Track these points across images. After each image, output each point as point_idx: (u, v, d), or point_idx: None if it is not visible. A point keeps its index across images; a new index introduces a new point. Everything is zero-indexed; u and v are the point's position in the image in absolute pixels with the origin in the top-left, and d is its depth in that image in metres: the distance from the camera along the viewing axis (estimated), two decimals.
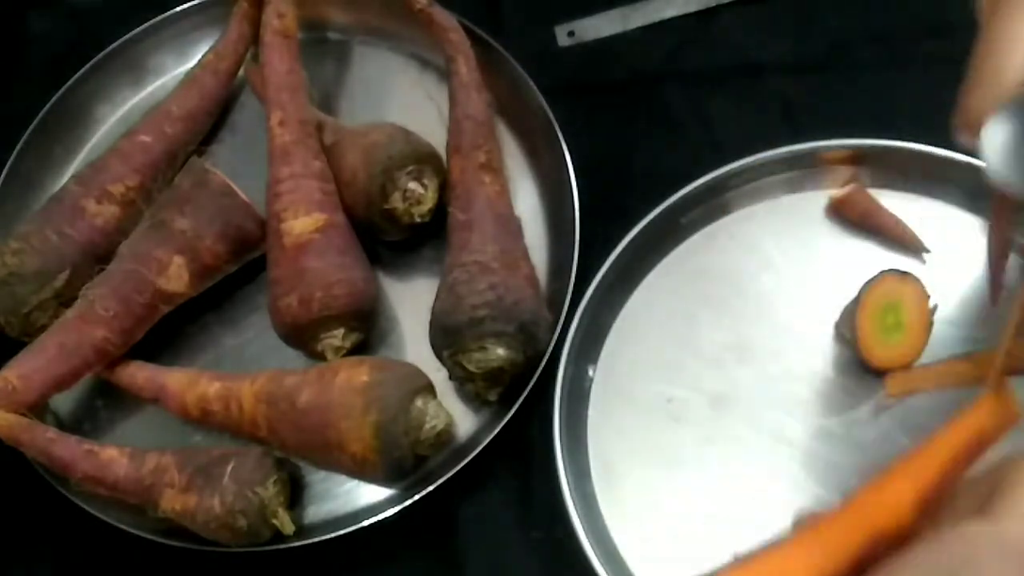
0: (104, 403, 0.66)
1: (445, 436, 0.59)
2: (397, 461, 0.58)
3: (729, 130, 0.69)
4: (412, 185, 0.65)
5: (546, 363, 0.61)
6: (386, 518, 0.59)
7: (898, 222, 0.62)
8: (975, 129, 0.39)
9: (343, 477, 0.62)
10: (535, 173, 0.69)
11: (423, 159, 0.65)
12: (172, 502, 0.58)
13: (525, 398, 0.60)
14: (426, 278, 0.66)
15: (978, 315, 0.59)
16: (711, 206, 0.64)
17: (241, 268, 0.67)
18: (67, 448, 0.60)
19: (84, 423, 0.66)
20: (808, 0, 0.73)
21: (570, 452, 0.59)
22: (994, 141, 0.34)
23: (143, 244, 0.64)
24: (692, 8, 0.73)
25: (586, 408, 0.61)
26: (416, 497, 0.59)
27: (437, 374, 0.61)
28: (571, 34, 0.74)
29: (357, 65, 0.76)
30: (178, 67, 0.76)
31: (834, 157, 0.64)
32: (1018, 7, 0.38)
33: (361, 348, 0.64)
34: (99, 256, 0.65)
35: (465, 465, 0.59)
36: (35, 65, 0.81)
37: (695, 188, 0.64)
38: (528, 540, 0.60)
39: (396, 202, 0.64)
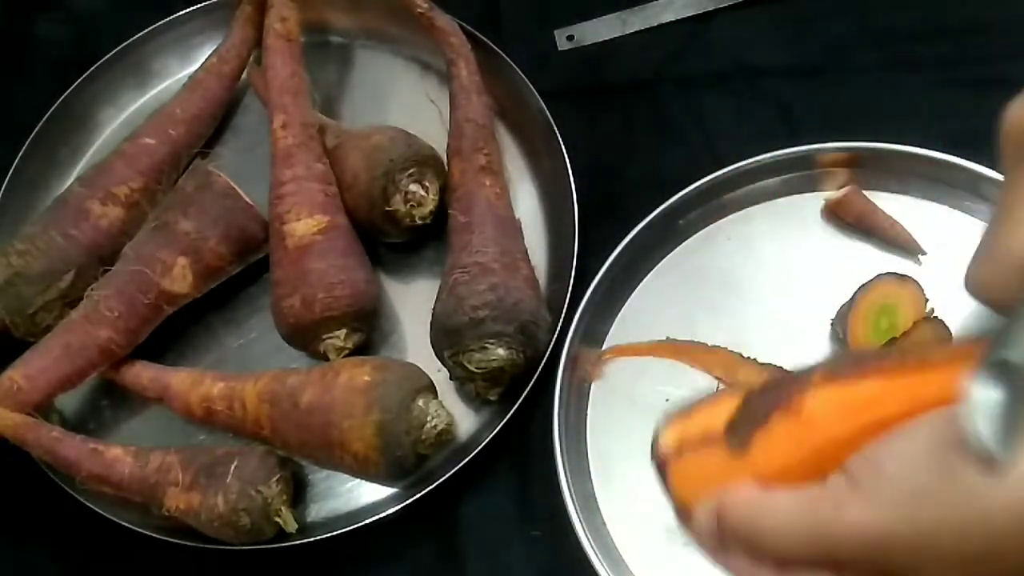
0: (109, 403, 0.67)
1: (446, 436, 0.60)
2: (398, 460, 0.58)
3: (727, 133, 0.69)
4: (413, 187, 0.65)
5: (546, 363, 0.61)
6: (387, 516, 0.59)
7: (894, 224, 0.62)
8: (982, 296, 0.39)
9: (345, 476, 0.62)
10: (535, 175, 0.70)
11: (424, 161, 0.66)
12: (176, 500, 0.59)
13: (525, 398, 0.61)
14: (427, 279, 0.67)
15: (974, 317, 0.60)
16: (709, 208, 0.65)
17: (244, 269, 0.68)
18: (72, 447, 0.61)
19: (89, 422, 0.66)
20: (805, 4, 0.73)
21: (570, 452, 0.59)
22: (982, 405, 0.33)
23: (147, 246, 0.64)
24: (690, 12, 0.73)
25: (586, 408, 0.62)
26: (417, 496, 0.59)
27: (438, 374, 0.62)
28: (570, 38, 0.74)
29: (359, 68, 0.76)
30: (182, 70, 0.77)
31: (831, 159, 0.64)
32: None
33: (363, 348, 0.64)
34: (104, 257, 0.65)
35: (465, 464, 0.60)
36: (40, 68, 0.81)
37: (693, 190, 0.64)
38: (528, 539, 0.60)
39: (397, 204, 0.65)
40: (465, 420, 0.63)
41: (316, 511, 0.62)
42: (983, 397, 0.31)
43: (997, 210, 0.37)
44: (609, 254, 0.63)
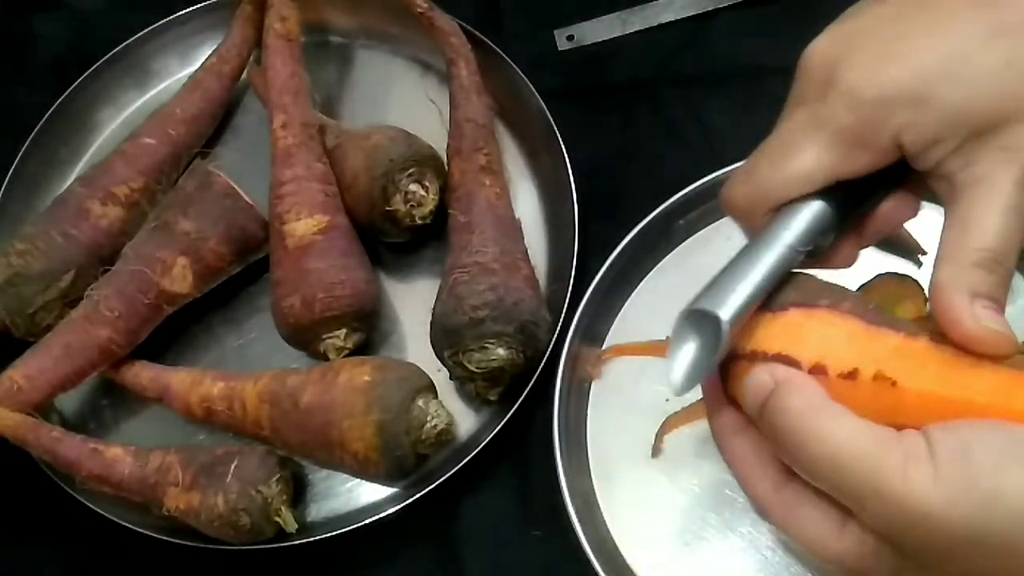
0: (109, 403, 0.67)
1: (446, 435, 0.60)
2: (398, 460, 0.58)
3: (727, 133, 0.69)
4: (413, 187, 0.65)
5: (546, 363, 0.61)
6: (387, 516, 0.59)
7: None
8: (731, 212, 0.40)
9: (345, 476, 0.62)
10: (535, 175, 0.70)
11: (424, 161, 0.66)
12: (176, 500, 0.59)
13: (525, 398, 0.61)
14: (427, 279, 0.67)
15: None
16: (709, 208, 0.65)
17: (244, 269, 0.68)
18: (72, 447, 0.61)
19: (89, 422, 0.66)
20: (805, 3, 0.73)
21: (570, 452, 0.59)
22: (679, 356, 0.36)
23: (147, 245, 0.65)
24: (690, 12, 0.73)
25: (586, 408, 0.62)
26: (417, 496, 0.59)
27: (438, 374, 0.62)
28: (570, 38, 0.74)
29: (359, 68, 0.76)
30: (182, 70, 0.77)
31: None
32: (803, 112, 0.38)
33: (363, 348, 0.65)
34: (104, 257, 0.65)
35: (465, 464, 0.60)
36: (39, 68, 0.81)
37: (693, 190, 0.64)
38: (528, 539, 0.60)
39: (397, 204, 0.65)
40: (465, 420, 0.63)
41: (316, 511, 0.62)
42: (678, 346, 0.35)
43: (769, 139, 0.38)
44: (609, 253, 0.63)
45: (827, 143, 0.37)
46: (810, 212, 0.38)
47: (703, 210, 0.65)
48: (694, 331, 0.36)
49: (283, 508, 0.59)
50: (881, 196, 0.40)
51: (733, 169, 0.63)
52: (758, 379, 0.36)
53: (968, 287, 0.35)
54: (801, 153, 0.37)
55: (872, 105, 0.36)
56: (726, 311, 0.35)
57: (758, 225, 0.38)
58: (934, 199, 0.39)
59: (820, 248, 0.39)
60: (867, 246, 0.42)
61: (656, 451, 0.59)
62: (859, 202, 0.39)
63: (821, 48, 0.38)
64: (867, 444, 0.33)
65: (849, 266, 0.41)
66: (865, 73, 0.36)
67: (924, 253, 0.62)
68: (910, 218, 0.41)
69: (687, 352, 0.36)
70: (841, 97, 0.37)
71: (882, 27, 0.38)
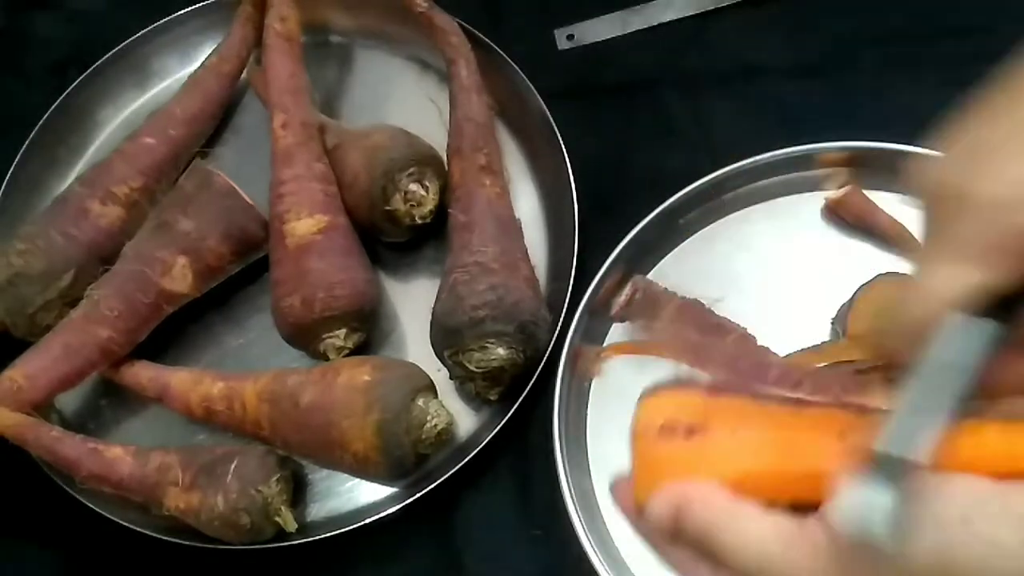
0: (109, 402, 0.67)
1: (446, 435, 0.60)
2: (398, 460, 0.58)
3: (727, 132, 0.69)
4: (413, 187, 0.65)
5: (546, 363, 0.61)
6: (387, 516, 0.59)
7: (894, 223, 0.62)
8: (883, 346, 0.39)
9: (345, 475, 0.62)
10: (535, 175, 0.70)
11: (424, 161, 0.66)
12: (176, 500, 0.59)
13: (525, 398, 0.61)
14: (427, 279, 0.67)
15: None
16: (709, 208, 0.65)
17: (244, 269, 0.68)
18: (72, 447, 0.61)
19: (89, 422, 0.66)
20: (805, 3, 0.73)
21: (570, 452, 0.59)
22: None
23: (147, 245, 0.65)
24: (690, 11, 0.73)
25: (586, 408, 0.62)
26: (417, 495, 0.59)
27: (438, 374, 0.62)
28: (571, 37, 0.74)
29: (359, 68, 0.76)
30: (181, 70, 0.77)
31: (831, 159, 0.64)
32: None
33: (363, 348, 0.65)
34: (104, 257, 0.65)
35: (465, 464, 0.60)
36: (39, 68, 0.81)
37: (693, 190, 0.64)
38: (528, 538, 0.60)
39: (397, 204, 0.65)
40: (465, 420, 0.63)
41: (316, 511, 0.62)
42: (869, 498, 0.31)
43: (913, 278, 0.37)
44: (609, 253, 0.63)
45: (971, 260, 0.35)
46: (975, 333, 0.35)
47: (703, 210, 0.65)
48: (880, 481, 0.32)
49: (283, 508, 0.59)
50: None
51: (733, 169, 0.64)
52: (664, 496, 0.35)
53: None
54: (946, 278, 0.35)
55: (1009, 210, 0.34)
56: (914, 454, 0.32)
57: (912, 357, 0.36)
58: None
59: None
60: None
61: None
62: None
63: (942, 172, 0.37)
64: (774, 538, 0.33)
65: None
66: (994, 180, 0.35)
67: None
68: None
69: (880, 505, 0.32)
70: (976, 210, 0.35)
71: (1000, 132, 0.36)
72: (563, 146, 0.66)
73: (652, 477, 0.36)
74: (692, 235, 0.65)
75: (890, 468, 0.32)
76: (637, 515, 0.38)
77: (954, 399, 0.33)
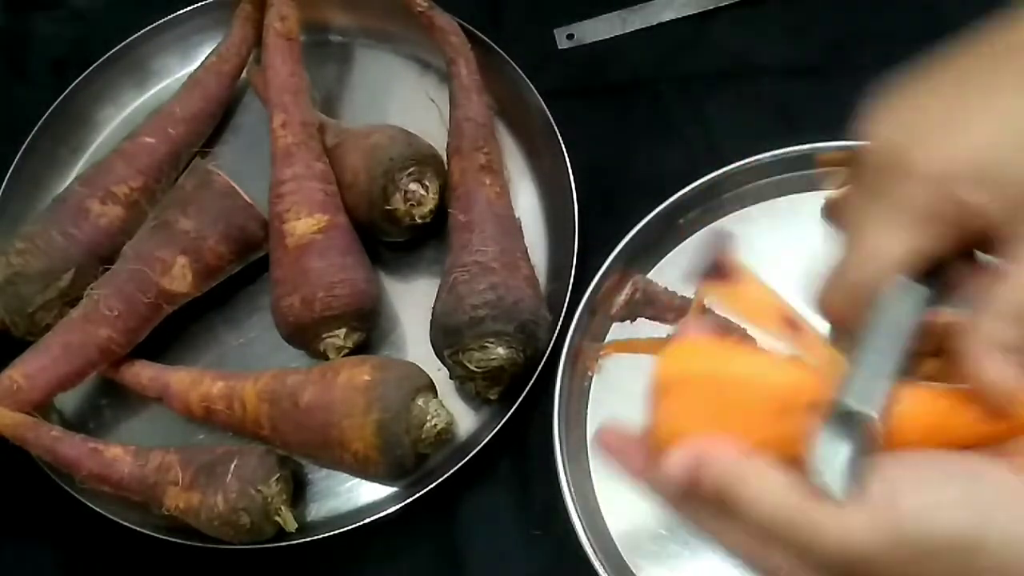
0: (108, 402, 0.67)
1: (446, 435, 0.60)
2: (398, 459, 0.58)
3: (726, 132, 0.69)
4: (413, 186, 0.65)
5: (546, 362, 0.61)
6: (387, 515, 0.59)
7: None
8: (826, 316, 0.40)
9: (345, 475, 0.62)
10: (535, 174, 0.70)
11: (424, 160, 0.66)
12: (176, 500, 0.59)
13: (525, 397, 0.61)
14: (427, 278, 0.67)
15: None
16: (708, 207, 0.65)
17: (244, 268, 0.68)
18: (72, 446, 0.61)
19: (89, 422, 0.66)
20: (805, 3, 0.73)
21: (570, 451, 0.59)
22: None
23: (147, 244, 0.65)
24: (690, 11, 0.73)
25: (586, 407, 0.62)
26: (417, 495, 0.59)
27: (438, 373, 0.62)
28: (570, 37, 0.74)
29: (359, 67, 0.76)
30: (181, 69, 0.77)
31: (830, 159, 0.64)
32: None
33: (363, 347, 0.65)
34: (103, 256, 0.65)
35: (465, 463, 0.60)
36: (39, 67, 0.81)
37: (693, 189, 0.64)
38: (528, 538, 0.60)
39: (397, 203, 0.65)
40: (465, 419, 0.63)
41: (316, 510, 0.63)
42: (829, 449, 0.34)
43: (848, 238, 0.39)
44: (609, 252, 0.63)
45: (911, 226, 0.37)
46: (913, 296, 0.37)
47: (703, 210, 0.65)
48: (840, 433, 0.35)
49: (283, 508, 0.59)
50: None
51: (733, 169, 0.64)
52: (676, 461, 0.36)
53: (998, 338, 0.35)
54: (888, 243, 0.37)
55: (949, 182, 0.36)
56: (871, 408, 0.35)
57: (858, 324, 0.38)
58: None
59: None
60: None
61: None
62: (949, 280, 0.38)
63: (883, 135, 0.38)
64: (789, 493, 0.34)
65: None
66: (936, 152, 0.37)
67: None
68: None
69: (840, 455, 0.34)
70: (917, 180, 0.37)
71: (943, 104, 0.38)
72: (563, 145, 0.66)
73: (670, 430, 0.37)
74: (692, 235, 0.65)
75: (848, 421, 0.34)
76: (646, 468, 0.39)
77: (900, 359, 0.36)
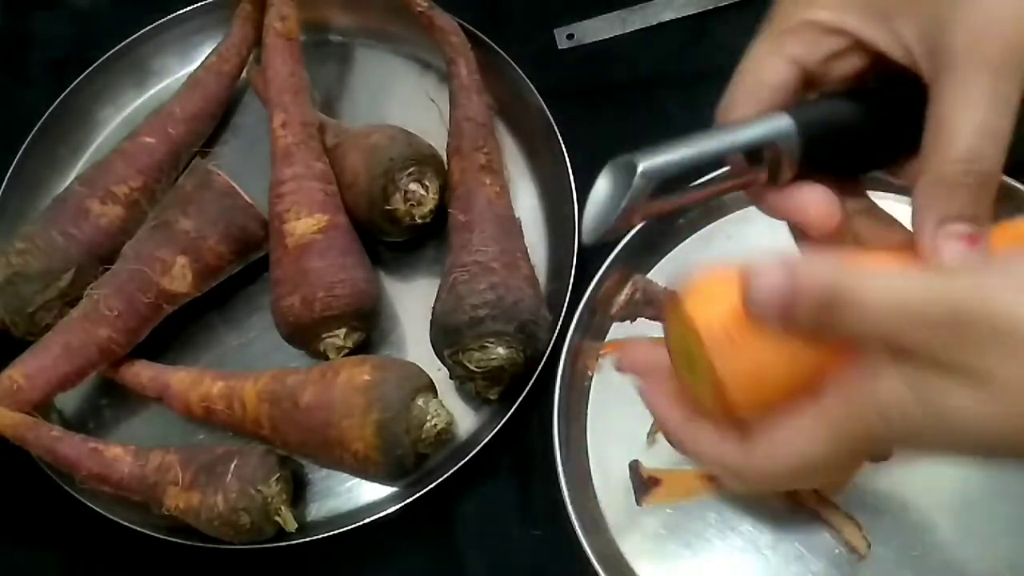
0: (108, 402, 0.67)
1: (446, 435, 0.60)
2: (398, 459, 0.58)
3: None
4: (413, 186, 0.65)
5: (546, 362, 0.61)
6: (387, 515, 0.59)
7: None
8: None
9: (345, 475, 0.62)
10: (535, 174, 0.70)
11: (424, 160, 0.66)
12: (176, 500, 0.59)
13: (525, 397, 0.61)
14: (427, 278, 0.67)
15: None
16: (708, 207, 0.65)
17: (244, 268, 0.68)
18: (72, 446, 0.61)
19: (89, 422, 0.66)
20: None
21: (570, 451, 0.59)
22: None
23: (147, 244, 0.65)
24: (690, 11, 0.73)
25: (586, 407, 0.62)
26: (417, 495, 0.59)
27: (438, 373, 0.62)
28: (570, 36, 0.74)
29: (359, 67, 0.76)
30: (181, 69, 0.77)
31: None
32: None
33: (363, 347, 0.65)
34: (103, 256, 0.65)
35: (465, 463, 0.60)
36: (39, 67, 0.81)
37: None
38: (528, 538, 0.60)
39: (397, 203, 0.65)
40: (465, 419, 0.63)
41: (316, 510, 0.62)
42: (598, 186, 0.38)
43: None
44: (609, 252, 0.63)
45: (782, 42, 0.41)
46: (768, 118, 0.40)
47: (703, 209, 0.65)
48: (613, 180, 0.38)
49: (283, 507, 0.59)
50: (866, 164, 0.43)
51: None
52: (769, 275, 0.33)
53: (937, 213, 0.34)
54: (766, 58, 0.41)
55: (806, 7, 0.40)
56: (645, 162, 0.37)
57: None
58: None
59: (778, 170, 0.40)
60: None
61: (651, 440, 0.59)
62: (832, 142, 0.40)
63: None
64: (918, 282, 0.31)
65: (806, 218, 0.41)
66: None
67: None
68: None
69: (599, 198, 0.38)
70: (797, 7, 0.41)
71: None
72: (563, 146, 0.66)
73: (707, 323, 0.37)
74: (692, 235, 0.65)
75: (620, 172, 0.38)
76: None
77: (705, 150, 0.40)
